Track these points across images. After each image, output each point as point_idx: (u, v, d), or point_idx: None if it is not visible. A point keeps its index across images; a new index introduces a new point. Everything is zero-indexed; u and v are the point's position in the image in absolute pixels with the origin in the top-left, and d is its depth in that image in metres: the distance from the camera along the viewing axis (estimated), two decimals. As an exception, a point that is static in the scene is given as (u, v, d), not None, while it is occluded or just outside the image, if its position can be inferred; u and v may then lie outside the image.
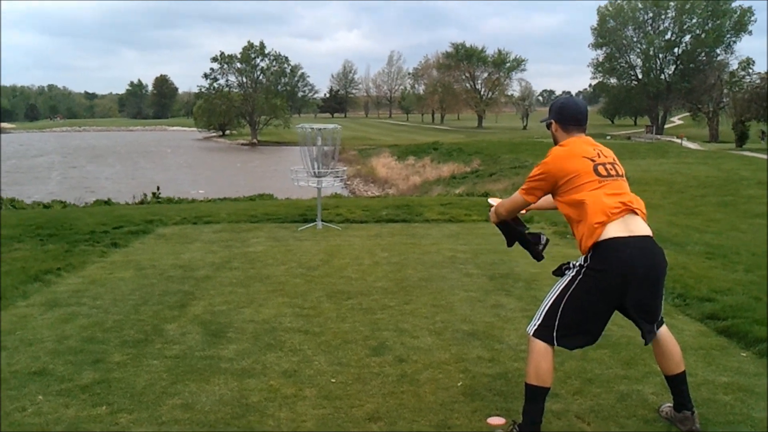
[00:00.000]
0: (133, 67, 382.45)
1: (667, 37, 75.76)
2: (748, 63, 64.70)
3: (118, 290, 6.51)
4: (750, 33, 72.70)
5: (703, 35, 72.41)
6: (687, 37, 74.98)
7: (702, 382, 4.16)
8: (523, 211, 3.96)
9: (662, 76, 77.52)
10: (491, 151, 40.78)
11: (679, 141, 49.58)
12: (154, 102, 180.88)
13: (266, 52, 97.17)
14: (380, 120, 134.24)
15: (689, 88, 70.02)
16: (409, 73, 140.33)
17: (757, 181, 19.61)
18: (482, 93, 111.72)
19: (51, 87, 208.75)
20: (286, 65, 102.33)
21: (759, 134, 46.25)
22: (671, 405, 3.63)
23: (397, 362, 4.57)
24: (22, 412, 3.77)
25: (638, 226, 3.29)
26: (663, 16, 75.72)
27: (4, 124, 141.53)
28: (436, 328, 5.34)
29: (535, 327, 3.38)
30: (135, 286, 6.65)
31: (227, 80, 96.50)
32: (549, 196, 3.59)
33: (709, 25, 71.51)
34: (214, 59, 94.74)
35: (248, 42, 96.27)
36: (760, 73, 56.63)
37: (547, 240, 3.96)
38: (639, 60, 79.65)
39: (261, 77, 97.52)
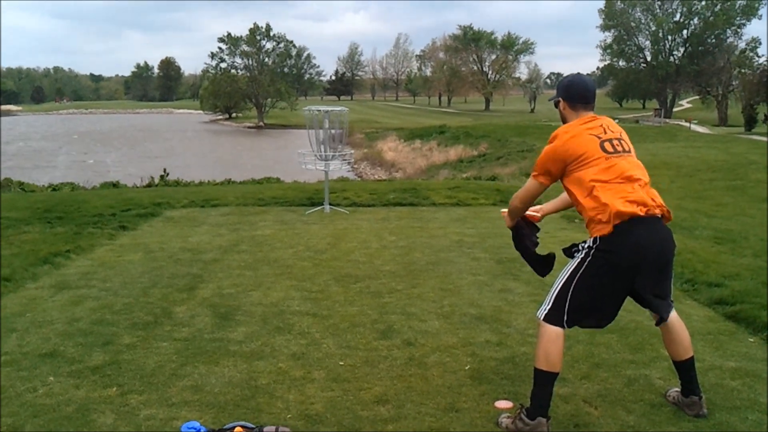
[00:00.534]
0: (138, 49, 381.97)
1: (676, 19, 75.09)
2: (755, 44, 64.36)
3: (127, 273, 6.54)
4: (759, 17, 72.04)
5: (711, 17, 71.73)
6: (695, 20, 74.29)
7: (709, 367, 4.16)
8: (539, 215, 3.96)
9: (671, 59, 76.90)
10: (498, 135, 40.59)
11: (687, 124, 49.27)
12: (159, 84, 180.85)
13: (272, 34, 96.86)
14: (387, 103, 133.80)
15: (698, 70, 69.49)
16: (416, 56, 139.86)
17: (766, 166, 19.49)
18: (489, 76, 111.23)
19: (57, 69, 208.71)
20: (291, 47, 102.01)
21: (763, 117, 45.88)
22: (678, 390, 3.64)
23: (405, 345, 4.59)
24: (34, 393, 3.81)
25: (646, 206, 3.26)
26: (671, -2, 75.10)
27: (11, 107, 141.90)
28: (444, 311, 5.36)
29: (546, 311, 3.38)
30: (144, 269, 6.68)
31: (233, 62, 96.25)
32: (565, 195, 3.57)
33: (718, 7, 70.79)
34: (221, 39, 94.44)
35: (254, 24, 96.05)
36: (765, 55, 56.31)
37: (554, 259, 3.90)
38: (648, 42, 78.95)
39: (266, 60, 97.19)
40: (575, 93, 3.54)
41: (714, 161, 21.17)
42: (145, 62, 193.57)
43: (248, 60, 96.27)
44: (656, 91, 78.97)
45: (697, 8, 73.20)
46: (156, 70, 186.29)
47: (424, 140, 44.32)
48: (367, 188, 12.66)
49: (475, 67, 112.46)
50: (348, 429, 3.44)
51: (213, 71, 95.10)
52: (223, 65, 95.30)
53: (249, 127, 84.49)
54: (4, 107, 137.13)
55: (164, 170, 16.41)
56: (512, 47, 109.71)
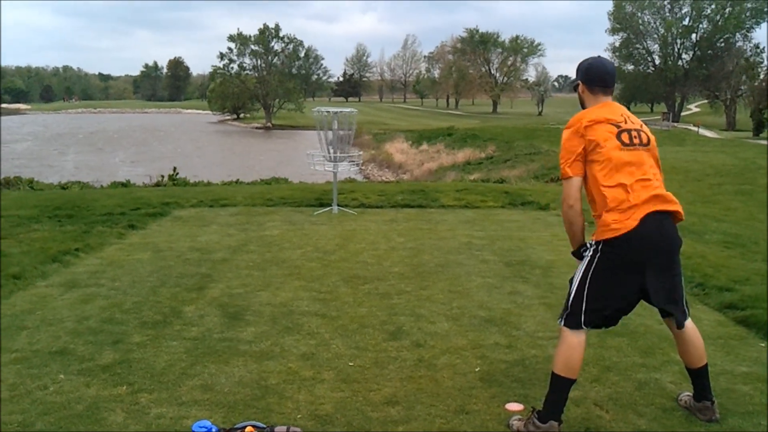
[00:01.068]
0: (146, 49, 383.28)
1: (685, 22, 74.89)
2: (758, 50, 64.34)
3: (136, 272, 6.55)
4: (768, 21, 71.81)
5: (720, 21, 71.52)
6: (705, 23, 74.07)
7: (721, 371, 4.14)
8: None
9: (680, 63, 76.68)
10: (506, 137, 40.52)
11: (695, 129, 49.08)
12: (168, 84, 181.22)
13: (281, 35, 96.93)
14: (394, 104, 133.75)
15: (707, 74, 69.26)
16: (424, 57, 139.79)
17: (773, 171, 19.43)
18: (497, 78, 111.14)
19: (66, 68, 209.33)
20: (300, 48, 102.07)
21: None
22: (690, 394, 3.63)
23: (415, 347, 4.59)
24: (44, 391, 3.81)
25: (653, 201, 3.24)
26: (681, 2, 74.83)
27: (20, 105, 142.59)
28: (453, 313, 5.35)
29: (565, 316, 3.37)
30: (153, 268, 6.70)
31: (242, 62, 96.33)
32: None
33: (728, 10, 70.56)
34: (231, 38, 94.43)
35: (263, 24, 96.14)
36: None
37: None
38: (656, 46, 78.78)
39: (275, 60, 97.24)
40: (594, 75, 3.48)
41: (722, 166, 21.11)
42: (155, 62, 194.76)
43: (257, 60, 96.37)
44: (664, 94, 78.76)
45: (706, 12, 72.97)
46: (164, 70, 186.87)
47: (432, 142, 44.27)
48: (375, 189, 12.66)
49: (483, 69, 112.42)
50: (358, 430, 3.43)
51: (222, 71, 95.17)
52: (232, 66, 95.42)
53: (257, 128, 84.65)
54: (13, 106, 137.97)
55: (174, 169, 16.43)
56: (519, 50, 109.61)
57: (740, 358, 4.43)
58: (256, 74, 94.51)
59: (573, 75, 3.60)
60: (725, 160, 22.88)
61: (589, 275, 3.31)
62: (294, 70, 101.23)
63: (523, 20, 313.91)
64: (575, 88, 3.59)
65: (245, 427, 3.29)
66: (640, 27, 77.56)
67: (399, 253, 7.53)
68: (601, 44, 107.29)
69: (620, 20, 77.86)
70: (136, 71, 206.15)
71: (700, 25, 74.49)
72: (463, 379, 4.05)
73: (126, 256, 7.23)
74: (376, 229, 9.01)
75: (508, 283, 6.26)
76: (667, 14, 75.82)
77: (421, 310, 5.42)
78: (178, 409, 3.62)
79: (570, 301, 3.36)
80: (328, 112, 10.58)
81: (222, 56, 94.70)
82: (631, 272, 3.25)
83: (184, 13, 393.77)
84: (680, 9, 75.17)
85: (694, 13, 73.89)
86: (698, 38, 74.78)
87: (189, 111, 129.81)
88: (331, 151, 10.50)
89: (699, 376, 3.52)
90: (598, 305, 3.30)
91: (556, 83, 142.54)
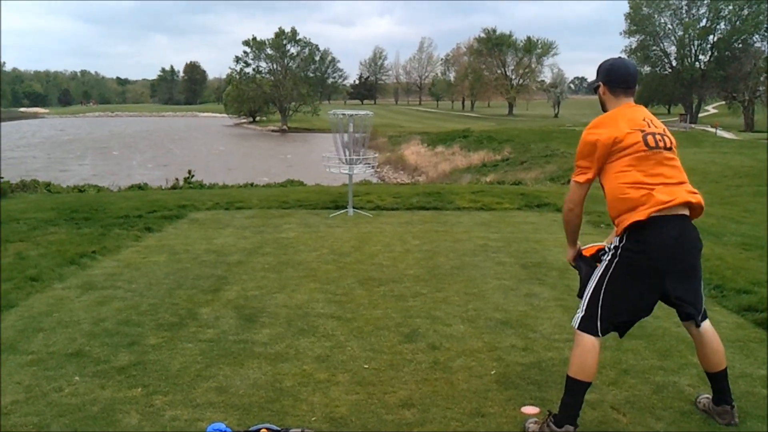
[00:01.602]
0: (163, 53, 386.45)
1: (702, 24, 74.35)
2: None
3: (152, 274, 6.57)
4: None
5: (737, 22, 70.93)
6: (722, 24, 73.50)
7: (740, 374, 4.09)
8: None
9: (697, 64, 76.10)
10: (522, 139, 40.47)
11: (713, 130, 48.74)
12: (185, 88, 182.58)
13: (297, 38, 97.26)
14: (410, 107, 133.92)
15: (724, 76, 68.70)
16: (441, 59, 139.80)
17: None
18: (513, 80, 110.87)
19: (84, 72, 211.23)
20: (316, 51, 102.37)
21: None
22: (708, 396, 3.58)
23: (430, 349, 4.56)
24: (59, 392, 3.83)
25: (676, 205, 3.19)
26: (698, 3, 74.30)
27: (38, 109, 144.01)
28: (469, 316, 5.32)
29: (579, 319, 3.32)
30: (169, 270, 6.72)
31: (258, 66, 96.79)
32: None
33: (746, 11, 69.96)
34: (246, 43, 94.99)
35: (279, 28, 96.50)
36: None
37: None
38: (673, 47, 78.24)
39: (291, 63, 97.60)
40: (616, 77, 3.41)
41: (741, 167, 20.95)
42: (171, 66, 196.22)
43: (273, 64, 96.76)
44: (681, 96, 78.20)
45: (724, 13, 72.40)
46: (181, 74, 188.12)
47: (447, 144, 44.27)
48: (390, 192, 12.64)
49: (499, 71, 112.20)
50: (373, 432, 3.42)
51: (238, 75, 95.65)
52: (248, 69, 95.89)
53: (273, 131, 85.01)
54: (32, 110, 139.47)
55: (189, 172, 16.47)
56: (533, 51, 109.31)
57: (760, 360, 4.37)
58: (272, 78, 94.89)
59: (589, 76, 3.57)
60: (743, 162, 22.69)
61: (606, 280, 3.26)
62: (310, 73, 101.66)
63: (539, 22, 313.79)
64: (595, 90, 3.51)
65: (260, 429, 3.29)
66: (657, 29, 77.07)
67: (414, 255, 7.51)
68: (617, 46, 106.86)
69: (637, 22, 77.40)
70: (153, 75, 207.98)
71: (718, 27, 73.93)
72: (479, 382, 4.02)
73: (142, 259, 7.26)
74: (392, 231, 9.00)
75: (524, 285, 6.22)
76: (684, 16, 75.30)
77: (437, 313, 5.39)
78: (192, 411, 3.62)
79: (585, 303, 3.32)
80: (343, 114, 10.58)
81: (238, 60, 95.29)
82: (651, 278, 3.20)
83: (200, 18, 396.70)
84: (698, 10, 74.62)
85: (711, 14, 73.31)
86: (715, 39, 74.21)
87: (205, 114, 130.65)
88: (347, 153, 10.50)
89: (718, 380, 3.48)
90: (613, 311, 3.26)
91: (572, 85, 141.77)
